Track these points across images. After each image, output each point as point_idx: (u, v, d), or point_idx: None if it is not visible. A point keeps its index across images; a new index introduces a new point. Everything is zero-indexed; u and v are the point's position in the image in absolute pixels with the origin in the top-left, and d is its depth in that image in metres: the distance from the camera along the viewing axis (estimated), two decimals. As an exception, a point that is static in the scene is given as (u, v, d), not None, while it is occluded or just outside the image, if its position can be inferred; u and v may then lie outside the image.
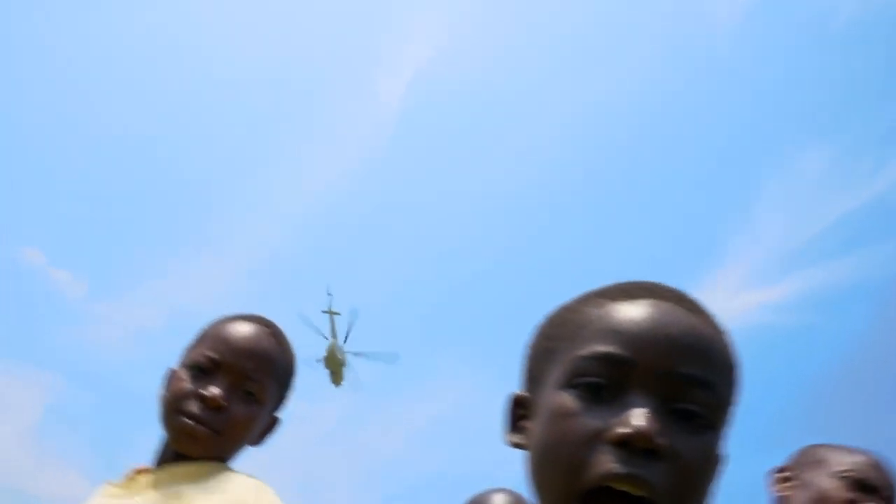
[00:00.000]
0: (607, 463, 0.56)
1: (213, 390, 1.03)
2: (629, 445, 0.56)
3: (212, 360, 1.06)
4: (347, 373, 22.55)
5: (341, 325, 22.15)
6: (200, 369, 1.06)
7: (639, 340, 0.61)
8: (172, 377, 1.09)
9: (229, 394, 1.04)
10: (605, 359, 0.60)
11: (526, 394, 0.69)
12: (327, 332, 22.00)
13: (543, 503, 0.62)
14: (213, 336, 1.10)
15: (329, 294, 22.03)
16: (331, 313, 21.94)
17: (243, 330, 1.10)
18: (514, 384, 0.73)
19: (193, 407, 1.03)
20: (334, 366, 22.02)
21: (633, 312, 0.63)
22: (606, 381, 0.60)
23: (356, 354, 22.07)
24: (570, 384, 0.61)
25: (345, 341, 22.15)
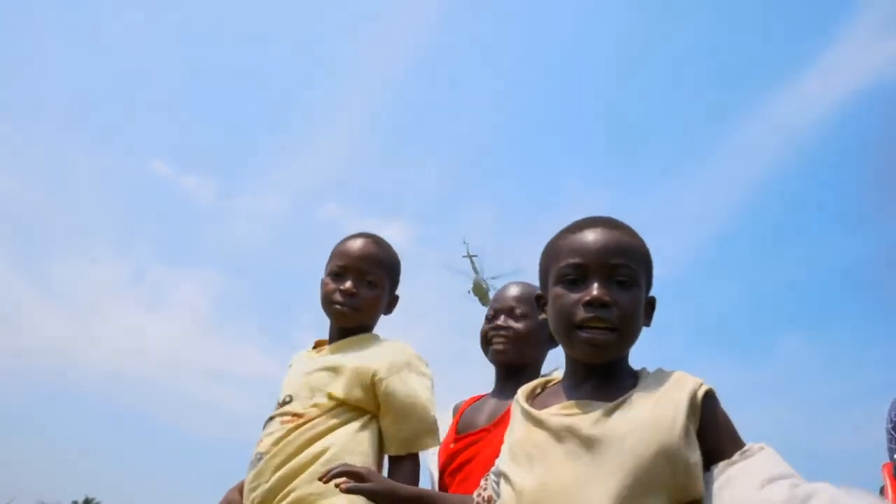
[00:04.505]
0: (585, 313, 1.07)
1: (347, 284, 1.66)
2: (592, 304, 1.07)
3: (341, 266, 1.70)
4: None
5: (479, 262, 31.64)
6: (336, 274, 1.70)
7: (587, 251, 1.10)
8: (322, 283, 1.74)
9: (357, 285, 1.67)
10: (573, 265, 1.11)
11: (542, 292, 1.20)
12: (470, 270, 31.87)
13: (561, 340, 1.13)
14: (339, 252, 1.74)
15: (465, 242, 31.33)
16: (469, 257, 31.58)
17: (356, 243, 1.73)
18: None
19: (339, 297, 1.67)
20: (481, 293, 31.64)
21: (583, 237, 1.12)
22: (576, 276, 1.10)
23: (494, 278, 31.54)
24: (559, 282, 1.12)
25: (491, 279, 31.27)
